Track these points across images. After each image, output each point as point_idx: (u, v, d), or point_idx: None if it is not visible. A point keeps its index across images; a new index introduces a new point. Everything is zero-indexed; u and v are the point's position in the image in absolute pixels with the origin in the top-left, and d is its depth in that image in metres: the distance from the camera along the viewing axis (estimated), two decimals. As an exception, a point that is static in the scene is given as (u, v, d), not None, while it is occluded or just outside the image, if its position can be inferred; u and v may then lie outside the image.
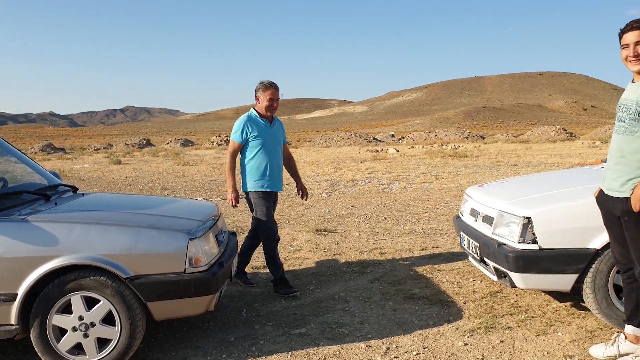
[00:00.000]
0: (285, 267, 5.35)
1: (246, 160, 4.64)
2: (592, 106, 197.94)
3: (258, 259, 5.71)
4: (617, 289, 3.43)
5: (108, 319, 3.16)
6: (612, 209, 3.04)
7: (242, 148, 4.62)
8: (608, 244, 3.33)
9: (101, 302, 3.12)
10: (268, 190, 4.62)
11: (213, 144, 42.19)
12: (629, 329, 3.14)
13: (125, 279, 3.12)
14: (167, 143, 44.68)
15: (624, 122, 2.95)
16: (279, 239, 4.70)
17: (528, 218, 3.44)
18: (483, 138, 40.85)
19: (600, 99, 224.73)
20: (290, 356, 3.38)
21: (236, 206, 4.69)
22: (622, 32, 2.94)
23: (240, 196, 4.74)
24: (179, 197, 10.65)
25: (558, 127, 41.73)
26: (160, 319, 3.28)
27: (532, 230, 3.42)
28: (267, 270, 5.24)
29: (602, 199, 3.13)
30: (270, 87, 4.53)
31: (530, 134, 40.81)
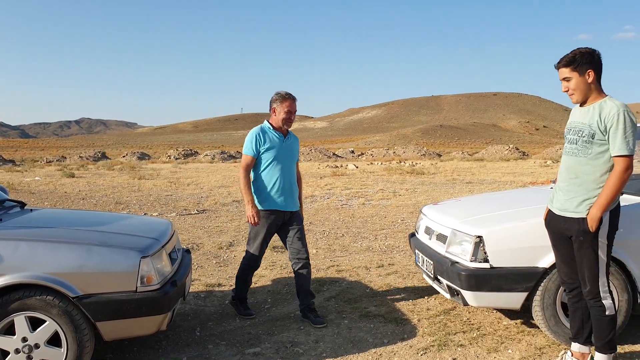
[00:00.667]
0: (241, 285, 5.29)
1: (255, 176, 4.30)
2: (544, 126, 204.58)
3: (212, 277, 5.64)
4: (565, 307, 3.53)
5: (54, 340, 3.05)
6: (563, 229, 3.12)
7: (254, 162, 4.28)
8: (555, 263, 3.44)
9: (47, 322, 3.02)
10: (274, 209, 4.24)
11: (170, 158, 41.61)
12: (575, 346, 3.24)
13: (74, 298, 3.03)
14: (123, 156, 43.79)
15: (576, 144, 3.07)
16: (257, 267, 4.44)
17: (480, 237, 3.52)
18: (440, 156, 41.65)
19: (551, 119, 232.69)
20: (244, 376, 3.33)
21: (258, 223, 4.20)
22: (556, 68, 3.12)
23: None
24: (133, 213, 10.44)
25: (511, 146, 42.94)
26: (109, 339, 3.19)
27: (484, 249, 3.50)
28: (222, 289, 5.18)
29: (553, 220, 3.22)
30: (288, 99, 4.24)
31: (484, 152, 41.86)
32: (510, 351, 3.54)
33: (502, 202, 4.38)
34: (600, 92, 3.07)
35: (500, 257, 3.48)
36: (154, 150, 75.32)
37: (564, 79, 3.07)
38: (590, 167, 3.00)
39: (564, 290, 3.45)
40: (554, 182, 4.79)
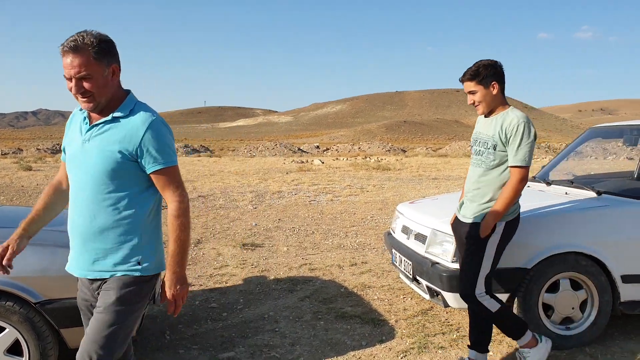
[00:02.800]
0: (211, 285, 5.13)
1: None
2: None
3: (182, 276, 5.44)
4: (546, 308, 3.50)
5: (14, 349, 2.84)
6: (462, 234, 3.18)
7: None
8: (537, 264, 3.40)
9: (6, 330, 2.80)
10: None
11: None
12: (472, 353, 3.25)
13: (36, 303, 2.83)
14: (83, 149, 42.59)
15: (482, 155, 3.13)
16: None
17: (461, 237, 3.44)
18: (404, 151, 41.98)
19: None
20: (218, 383, 3.18)
21: None
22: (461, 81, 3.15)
23: None
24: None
25: (474, 142, 43.60)
26: (74, 347, 2.98)
27: (466, 250, 3.43)
28: (191, 289, 5.00)
29: (456, 226, 3.30)
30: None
31: (448, 148, 42.38)
32: (491, 353, 3.48)
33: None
34: (505, 103, 3.10)
35: (482, 258, 3.41)
36: (114, 143, 73.47)
37: (469, 92, 3.09)
38: (492, 178, 3.07)
39: (547, 290, 3.42)
40: (533, 179, 4.79)
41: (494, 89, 3.03)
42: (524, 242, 3.40)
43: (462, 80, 3.11)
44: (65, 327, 2.88)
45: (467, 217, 3.16)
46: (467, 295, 3.11)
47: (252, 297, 4.75)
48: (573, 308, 3.50)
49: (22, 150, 41.28)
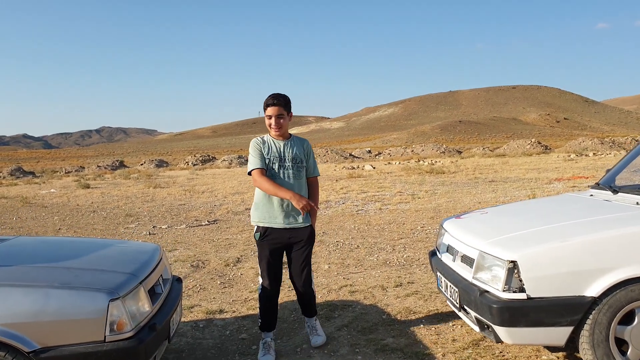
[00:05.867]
0: (244, 311, 4.80)
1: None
2: (565, 118, 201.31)
3: (215, 301, 5.14)
4: (619, 342, 2.95)
5: (9, 404, 2.57)
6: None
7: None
8: (607, 291, 2.86)
9: (-1, 383, 2.54)
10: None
11: (188, 164, 41.42)
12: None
13: (30, 353, 2.55)
14: (141, 164, 43.73)
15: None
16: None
17: (514, 262, 2.94)
18: (460, 152, 40.79)
19: (572, 111, 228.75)
20: None
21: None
22: (266, 105, 3.72)
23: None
24: (123, 239, 10.01)
25: (533, 140, 41.90)
26: (75, 399, 2.70)
27: (519, 276, 2.93)
28: (224, 317, 4.68)
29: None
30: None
31: (506, 147, 40.88)
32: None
33: (536, 215, 3.79)
34: None
35: (538, 286, 2.91)
36: (173, 156, 75.46)
37: (277, 115, 3.71)
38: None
39: (619, 322, 2.88)
40: (597, 186, 4.19)
41: (290, 117, 3.84)
42: (588, 266, 2.87)
43: (268, 105, 3.72)
44: (63, 378, 2.59)
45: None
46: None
47: (286, 325, 4.37)
48: (654, 342, 2.94)
49: (84, 167, 42.78)
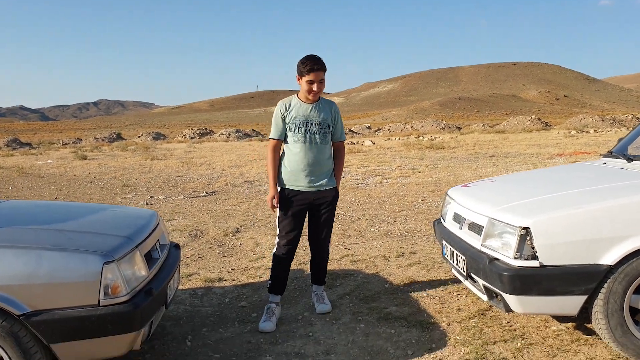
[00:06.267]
0: (244, 280, 4.70)
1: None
2: (565, 95, 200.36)
3: (214, 269, 5.04)
4: (635, 312, 2.85)
5: (-2, 368, 2.47)
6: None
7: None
8: (623, 259, 2.75)
9: (-12, 347, 2.43)
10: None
11: (185, 137, 41.14)
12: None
13: (20, 316, 2.43)
14: (139, 137, 43.43)
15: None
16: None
17: (526, 228, 2.82)
18: (459, 129, 40.55)
19: (572, 88, 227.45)
20: (237, 403, 2.73)
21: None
22: (308, 70, 3.54)
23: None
24: (136, 196, 9.89)
25: (533, 116, 41.64)
26: (68, 365, 2.60)
27: (532, 243, 2.81)
28: (223, 284, 4.59)
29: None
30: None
31: (506, 124, 40.63)
32: (567, 368, 2.89)
33: (547, 182, 3.66)
34: None
35: (552, 253, 2.79)
36: (170, 129, 74.92)
37: (320, 81, 3.57)
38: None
39: (634, 292, 2.78)
40: (604, 155, 4.07)
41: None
42: (603, 233, 2.76)
43: (317, 70, 3.54)
44: (55, 342, 2.48)
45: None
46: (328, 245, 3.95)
47: (287, 294, 4.26)
48: (669, 313, 2.84)
49: (81, 140, 42.48)
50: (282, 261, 3.80)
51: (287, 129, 3.70)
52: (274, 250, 3.84)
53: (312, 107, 3.69)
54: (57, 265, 2.50)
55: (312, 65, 3.55)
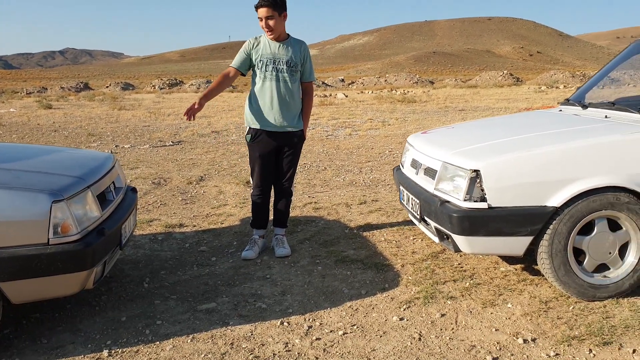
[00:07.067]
0: (205, 225, 4.71)
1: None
2: (538, 52, 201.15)
3: (175, 216, 5.03)
4: (577, 253, 2.96)
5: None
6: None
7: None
8: (569, 201, 2.83)
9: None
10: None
11: (155, 88, 40.27)
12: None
13: (-33, 254, 2.41)
14: (107, 87, 42.33)
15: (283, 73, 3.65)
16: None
17: (476, 171, 2.87)
18: (432, 83, 40.53)
19: (545, 44, 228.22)
20: (191, 340, 2.77)
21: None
22: (255, 7, 3.54)
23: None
24: (101, 144, 9.72)
25: (505, 72, 41.76)
26: (18, 302, 2.59)
27: (481, 186, 2.87)
28: (183, 230, 4.60)
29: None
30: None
31: (478, 79, 40.74)
32: (510, 305, 2.99)
33: (502, 128, 3.71)
34: None
35: (500, 195, 2.86)
36: (139, 80, 73.02)
37: (267, 17, 3.52)
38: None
39: (578, 233, 2.88)
40: (561, 103, 4.13)
41: (284, 17, 3.59)
42: (551, 176, 2.82)
43: (262, 5, 3.49)
44: (4, 281, 2.47)
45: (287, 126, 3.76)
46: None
47: (247, 239, 4.30)
48: (610, 253, 2.95)
49: (46, 89, 41.20)
50: (257, 203, 3.92)
51: (255, 66, 3.69)
52: (251, 192, 3.97)
53: (281, 45, 3.67)
54: (4, 204, 2.46)
55: (258, 2, 3.55)
